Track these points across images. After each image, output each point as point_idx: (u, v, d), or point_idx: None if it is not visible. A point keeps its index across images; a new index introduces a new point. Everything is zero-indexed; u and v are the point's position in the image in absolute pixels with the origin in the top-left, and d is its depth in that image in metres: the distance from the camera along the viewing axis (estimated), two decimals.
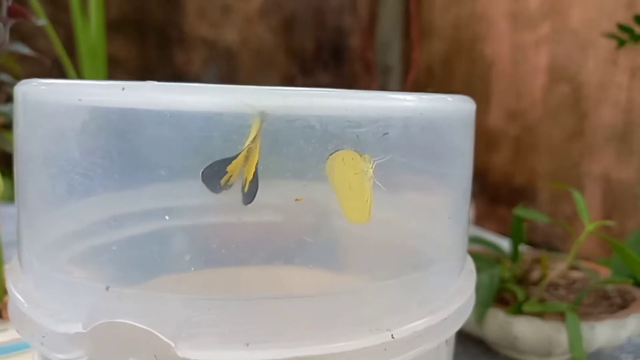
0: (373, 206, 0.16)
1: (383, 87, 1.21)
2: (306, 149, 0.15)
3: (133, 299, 0.16)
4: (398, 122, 0.16)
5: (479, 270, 0.41)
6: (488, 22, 0.98)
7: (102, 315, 0.16)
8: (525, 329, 0.36)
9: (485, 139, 1.00)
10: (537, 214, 0.40)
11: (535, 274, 0.44)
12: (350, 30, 1.18)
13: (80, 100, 0.15)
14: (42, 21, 0.32)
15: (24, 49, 0.34)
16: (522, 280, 0.43)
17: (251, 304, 0.16)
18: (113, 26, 0.90)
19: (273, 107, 0.14)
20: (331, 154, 0.16)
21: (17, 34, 0.41)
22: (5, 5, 0.31)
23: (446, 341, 0.20)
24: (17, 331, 0.18)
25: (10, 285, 0.18)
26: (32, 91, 0.16)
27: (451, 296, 0.18)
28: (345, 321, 0.16)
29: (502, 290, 0.41)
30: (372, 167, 0.16)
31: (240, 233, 0.23)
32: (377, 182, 0.16)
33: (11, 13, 0.31)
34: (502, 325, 0.37)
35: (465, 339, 0.43)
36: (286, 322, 0.16)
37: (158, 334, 0.15)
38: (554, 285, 0.42)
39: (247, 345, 0.15)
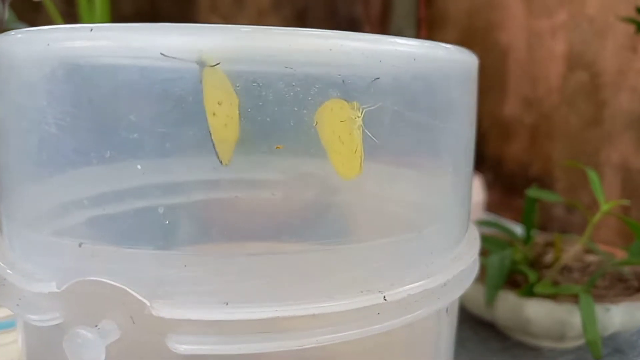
0: (364, 159, 0.15)
1: None
2: (287, 98, 0.14)
3: (107, 256, 0.15)
4: (389, 68, 0.15)
5: (489, 252, 0.39)
6: (503, 10, 0.96)
7: (76, 275, 0.15)
8: (537, 312, 0.35)
9: (500, 128, 0.98)
10: (550, 194, 0.39)
11: (548, 257, 0.42)
12: (363, 20, 1.17)
13: (48, 45, 0.14)
14: None
15: (24, 27, 0.33)
16: (535, 263, 0.41)
17: (230, 261, 0.15)
18: (127, 20, 0.89)
19: (240, 49, 0.13)
20: (320, 106, 0.15)
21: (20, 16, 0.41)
22: None
23: (447, 310, 0.19)
24: (1, 302, 0.17)
25: None
26: (4, 42, 0.16)
27: (450, 262, 0.17)
28: (333, 281, 0.15)
29: (514, 273, 0.39)
30: (361, 115, 0.15)
31: (233, 209, 0.22)
32: (367, 132, 0.15)
33: None
34: (513, 307, 0.36)
35: (475, 323, 0.41)
36: (267, 281, 0.15)
37: (132, 292, 0.14)
38: (568, 269, 0.40)
39: (226, 304, 0.14)
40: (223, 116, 0.14)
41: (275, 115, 0.14)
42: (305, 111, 0.14)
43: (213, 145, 0.14)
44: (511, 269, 0.39)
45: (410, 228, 0.19)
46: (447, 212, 0.18)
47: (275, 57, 0.14)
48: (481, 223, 0.44)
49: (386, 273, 0.16)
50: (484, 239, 0.41)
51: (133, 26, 0.14)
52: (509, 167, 0.95)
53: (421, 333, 0.18)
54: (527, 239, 0.40)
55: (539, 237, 0.45)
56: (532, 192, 0.40)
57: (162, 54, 0.13)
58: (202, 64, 0.13)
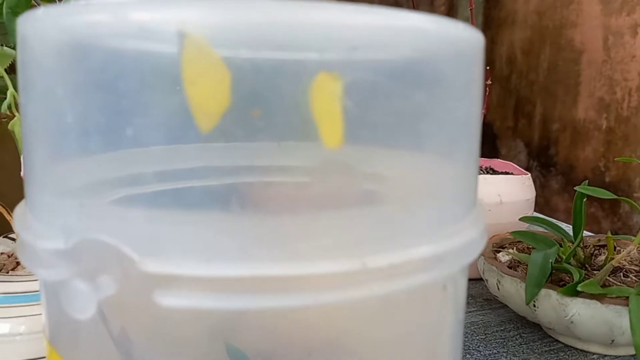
0: (346, 130, 0.15)
1: None
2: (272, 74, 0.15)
3: (104, 215, 0.16)
4: (370, 39, 0.15)
5: (534, 250, 0.38)
6: (576, 7, 0.92)
7: (80, 234, 0.16)
8: (581, 312, 0.33)
9: (573, 132, 0.94)
10: (601, 191, 0.37)
11: (601, 258, 0.40)
12: None
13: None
14: None
15: None
16: (587, 264, 0.39)
17: (214, 220, 0.15)
18: None
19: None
20: (311, 83, 0.16)
21: None
22: None
23: (444, 287, 0.19)
24: (20, 260, 0.18)
25: (14, 219, 0.19)
26: (24, 22, 0.17)
27: (442, 238, 0.17)
28: (314, 245, 0.15)
29: (561, 272, 0.37)
30: (340, 86, 0.15)
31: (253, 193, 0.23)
32: (348, 103, 0.15)
33: None
34: (555, 307, 0.34)
35: (521, 324, 0.40)
36: (250, 240, 0.15)
37: (124, 249, 0.15)
38: (622, 271, 0.38)
39: (207, 260, 0.15)
40: (206, 86, 0.15)
41: (261, 94, 0.15)
42: (286, 86, 0.15)
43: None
44: (557, 268, 0.37)
45: (396, 202, 0.19)
46: (439, 189, 0.18)
47: (257, 31, 0.14)
48: (529, 220, 0.43)
49: (367, 241, 0.16)
50: (531, 236, 0.40)
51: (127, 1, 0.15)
52: (583, 172, 0.90)
53: (409, 308, 0.18)
54: (577, 238, 0.38)
55: (592, 238, 0.43)
56: (582, 188, 0.38)
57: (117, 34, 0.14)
58: (181, 35, 0.14)
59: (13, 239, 0.36)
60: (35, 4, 0.34)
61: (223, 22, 0.15)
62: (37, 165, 0.19)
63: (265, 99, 0.16)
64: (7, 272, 0.31)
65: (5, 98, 0.33)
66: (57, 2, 0.32)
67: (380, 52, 0.16)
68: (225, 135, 0.16)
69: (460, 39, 0.17)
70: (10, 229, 0.36)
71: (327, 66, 0.15)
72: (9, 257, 0.33)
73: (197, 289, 0.15)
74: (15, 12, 0.29)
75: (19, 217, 0.19)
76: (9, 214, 0.32)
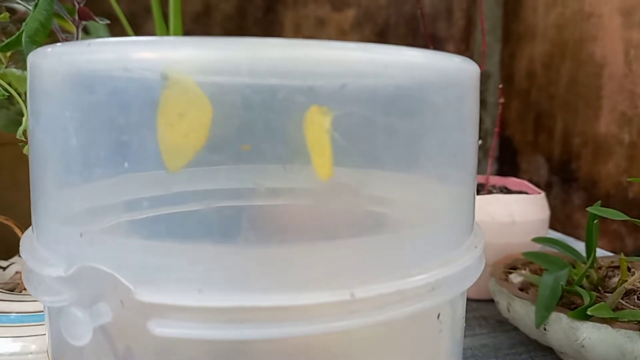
0: (334, 162, 0.16)
1: (482, 93, 1.17)
2: (257, 106, 0.15)
3: (102, 244, 0.17)
4: (358, 75, 0.15)
5: (545, 272, 0.37)
6: (597, 21, 0.91)
7: (79, 261, 0.17)
8: (592, 336, 0.32)
9: (594, 146, 0.92)
10: (613, 212, 0.36)
11: (615, 280, 0.39)
12: (445, 37, 1.16)
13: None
14: (105, 21, 0.35)
15: None
16: (600, 286, 0.39)
17: (206, 252, 0.16)
18: None
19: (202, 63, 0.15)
20: (305, 115, 0.16)
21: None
22: (76, 7, 0.34)
23: (438, 316, 0.19)
24: (25, 285, 0.19)
25: (21, 244, 0.20)
26: (36, 56, 0.18)
27: (436, 266, 0.17)
28: (302, 275, 0.16)
29: (571, 294, 0.37)
30: (330, 120, 0.15)
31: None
32: (335, 135, 0.15)
33: (81, 15, 0.35)
34: (566, 330, 0.33)
35: (533, 347, 0.39)
36: (239, 270, 0.15)
37: (120, 277, 0.16)
38: (636, 294, 0.37)
39: (200, 291, 0.16)
40: (184, 127, 0.15)
41: (243, 122, 0.16)
42: (272, 117, 0.15)
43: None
44: (568, 290, 0.36)
45: (387, 229, 0.19)
46: (432, 217, 0.18)
47: (244, 67, 0.15)
48: (542, 240, 0.42)
49: (358, 271, 0.16)
50: (543, 257, 0.39)
51: (124, 40, 0.15)
52: (605, 188, 0.89)
53: (403, 337, 0.18)
54: (590, 260, 0.37)
55: (606, 259, 0.42)
56: (594, 209, 0.37)
57: (125, 68, 0.14)
58: (164, 77, 0.14)
59: None
60: (55, 31, 0.36)
61: (220, 60, 0.16)
62: (42, 192, 0.20)
63: (257, 131, 0.17)
64: (20, 292, 0.32)
65: (16, 117, 0.35)
66: (75, 34, 0.33)
67: (370, 85, 0.16)
68: (219, 162, 0.16)
69: (452, 71, 0.18)
70: None
71: (317, 100, 0.16)
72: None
73: (189, 318, 0.16)
74: (34, 40, 0.30)
75: (26, 242, 0.20)
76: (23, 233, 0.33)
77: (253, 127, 0.16)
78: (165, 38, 0.15)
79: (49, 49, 0.18)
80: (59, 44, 0.17)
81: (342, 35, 1.06)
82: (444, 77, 0.17)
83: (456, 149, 0.18)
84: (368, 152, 0.17)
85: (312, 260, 0.16)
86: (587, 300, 0.33)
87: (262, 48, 0.15)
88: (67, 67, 0.17)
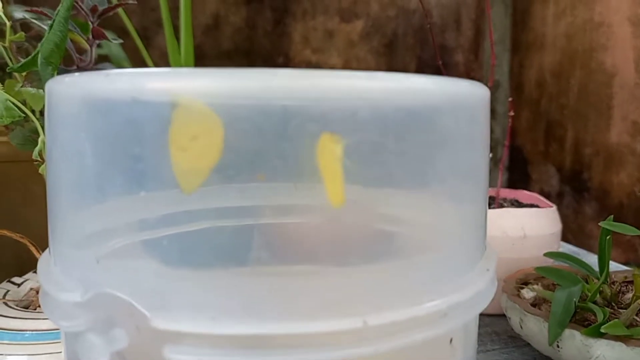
0: (346, 189, 0.16)
1: (491, 103, 1.16)
2: (271, 132, 0.15)
3: (118, 270, 0.17)
4: (369, 102, 0.15)
5: (558, 288, 0.37)
6: (607, 30, 0.91)
7: (96, 287, 0.17)
8: (606, 354, 0.32)
9: (606, 156, 0.92)
10: (625, 227, 0.36)
11: (629, 296, 0.39)
12: (454, 47, 1.16)
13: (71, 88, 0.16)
14: (118, 40, 0.36)
15: (111, 69, 0.38)
16: (613, 302, 0.38)
17: (219, 279, 0.16)
18: (226, 55, 0.97)
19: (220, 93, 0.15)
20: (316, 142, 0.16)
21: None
22: (90, 25, 0.35)
23: (450, 341, 0.19)
24: (42, 309, 0.19)
25: (38, 267, 0.20)
26: (54, 84, 0.19)
27: (448, 291, 0.17)
28: (315, 303, 0.16)
29: (584, 310, 0.37)
30: (341, 147, 0.16)
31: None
32: (347, 162, 0.16)
33: (95, 34, 0.35)
34: (579, 347, 0.33)
35: None
36: (252, 298, 0.16)
37: (136, 304, 0.16)
38: None
39: (213, 318, 0.16)
40: (197, 148, 0.15)
41: (257, 148, 0.16)
42: (286, 144, 0.16)
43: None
44: (581, 306, 0.36)
45: (400, 255, 0.19)
46: (445, 241, 0.18)
47: (257, 95, 0.15)
48: (554, 255, 0.42)
49: (371, 298, 0.16)
50: (556, 273, 0.39)
51: (140, 71, 0.16)
52: (617, 198, 0.88)
53: None
54: (602, 275, 0.37)
55: (620, 274, 0.42)
56: (606, 224, 0.37)
57: (133, 98, 0.15)
58: (173, 105, 0.15)
59: None
60: (69, 50, 0.36)
61: (235, 88, 0.16)
62: (58, 215, 0.20)
63: (270, 158, 0.17)
64: (35, 309, 0.32)
65: (31, 135, 0.35)
66: (89, 53, 0.34)
67: (382, 112, 0.16)
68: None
69: (461, 95, 0.18)
70: (36, 265, 0.38)
71: (329, 127, 0.16)
72: (37, 292, 0.34)
73: (204, 345, 0.16)
74: (49, 61, 0.30)
75: (43, 265, 0.20)
76: (37, 250, 0.33)
77: (266, 154, 0.16)
78: (178, 70, 0.16)
79: (67, 78, 0.18)
80: (77, 73, 0.18)
81: (351, 46, 1.06)
82: (453, 101, 0.17)
83: (468, 169, 0.18)
84: (380, 175, 0.17)
85: (325, 287, 0.16)
86: (600, 317, 0.33)
87: (275, 78, 0.15)
88: (86, 96, 0.17)
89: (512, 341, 0.42)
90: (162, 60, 0.77)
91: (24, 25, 0.45)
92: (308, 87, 0.15)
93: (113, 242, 0.20)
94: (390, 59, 1.09)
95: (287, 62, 1.06)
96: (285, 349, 0.16)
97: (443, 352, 0.19)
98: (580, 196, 0.96)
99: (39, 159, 0.30)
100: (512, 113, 0.50)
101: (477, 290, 0.18)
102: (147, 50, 0.50)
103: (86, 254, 0.18)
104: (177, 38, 0.49)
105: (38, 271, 0.20)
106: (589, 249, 0.85)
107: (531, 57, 1.04)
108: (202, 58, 0.93)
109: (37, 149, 0.30)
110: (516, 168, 1.10)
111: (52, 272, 0.19)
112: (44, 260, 0.20)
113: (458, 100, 0.17)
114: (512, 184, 1.08)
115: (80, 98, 0.17)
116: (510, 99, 0.51)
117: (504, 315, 0.44)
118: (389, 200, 0.17)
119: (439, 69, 1.25)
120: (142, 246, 0.19)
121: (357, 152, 0.16)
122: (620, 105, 0.88)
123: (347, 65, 1.07)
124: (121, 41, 0.37)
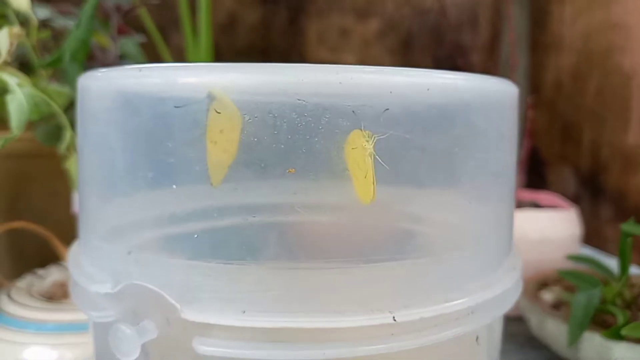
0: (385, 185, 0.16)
1: None
2: (300, 128, 0.16)
3: (149, 263, 0.17)
4: (400, 98, 0.16)
5: (578, 290, 0.37)
6: (625, 31, 0.90)
7: (126, 278, 0.17)
8: (626, 356, 0.32)
9: (623, 158, 0.91)
10: None
11: None
12: (470, 47, 1.15)
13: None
14: (141, 37, 0.36)
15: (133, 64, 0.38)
16: (633, 304, 0.38)
17: (249, 273, 0.16)
18: (242, 53, 0.98)
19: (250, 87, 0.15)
20: (346, 139, 0.17)
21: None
22: (115, 24, 0.35)
23: (476, 338, 0.19)
24: (73, 300, 0.20)
25: (68, 258, 0.20)
26: (86, 79, 0.19)
27: (476, 289, 0.17)
28: (344, 298, 0.16)
29: (605, 313, 0.36)
30: (372, 144, 0.16)
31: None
32: (378, 159, 0.16)
33: (120, 32, 0.36)
34: (599, 350, 0.33)
35: None
36: (282, 292, 0.16)
37: (166, 296, 0.16)
38: None
39: (244, 312, 0.16)
40: (223, 142, 0.16)
41: (288, 143, 0.16)
42: (317, 139, 0.16)
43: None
44: (601, 309, 0.36)
45: (428, 252, 0.19)
46: (473, 239, 0.18)
47: (287, 90, 0.15)
48: (574, 258, 0.42)
49: (399, 295, 0.16)
50: (574, 275, 0.39)
51: (172, 66, 0.16)
52: (635, 200, 0.87)
53: (441, 357, 0.18)
54: (623, 278, 0.37)
55: (638, 277, 0.41)
56: (628, 226, 0.37)
57: (172, 90, 0.15)
58: (210, 97, 0.15)
59: (63, 267, 0.38)
60: (92, 47, 0.37)
61: (266, 85, 0.16)
62: (89, 208, 0.20)
63: (300, 154, 0.17)
64: (58, 300, 0.33)
65: (55, 130, 0.35)
66: (113, 49, 0.34)
67: (412, 108, 0.16)
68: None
69: (492, 93, 0.18)
70: (58, 257, 0.38)
71: (360, 124, 0.16)
72: (60, 285, 0.34)
73: (233, 338, 0.16)
74: (75, 57, 0.31)
75: (73, 257, 0.21)
76: (60, 243, 0.34)
77: (297, 149, 0.16)
78: (210, 64, 0.16)
79: (99, 73, 0.18)
80: (107, 69, 0.18)
81: (366, 45, 1.06)
82: (484, 98, 0.17)
83: (497, 168, 0.18)
84: (409, 172, 0.17)
85: (354, 283, 0.16)
86: (620, 320, 0.33)
87: (308, 73, 0.15)
88: (119, 90, 0.17)
89: (528, 343, 0.42)
90: (177, 60, 0.78)
91: (44, 23, 0.46)
92: (340, 82, 0.15)
93: (143, 235, 0.20)
94: (405, 58, 1.08)
95: (302, 60, 1.06)
96: (314, 343, 0.16)
97: (469, 349, 0.19)
98: (596, 199, 0.95)
99: (66, 153, 0.30)
100: (531, 114, 0.50)
101: (504, 288, 0.18)
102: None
103: (117, 246, 0.18)
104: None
105: (69, 262, 0.20)
106: (606, 251, 0.84)
107: (548, 58, 1.04)
108: (218, 56, 0.93)
109: (64, 143, 0.30)
110: (533, 170, 1.09)
111: (82, 264, 0.19)
112: (74, 252, 0.21)
113: (489, 98, 0.17)
114: (529, 186, 1.07)
115: (113, 92, 0.18)
116: (529, 101, 0.51)
117: (519, 317, 0.44)
118: (417, 199, 0.17)
119: (454, 69, 1.25)
120: (172, 239, 0.20)
121: (387, 149, 0.16)
122: (638, 107, 0.87)
123: (362, 64, 1.06)
124: (145, 39, 0.37)
